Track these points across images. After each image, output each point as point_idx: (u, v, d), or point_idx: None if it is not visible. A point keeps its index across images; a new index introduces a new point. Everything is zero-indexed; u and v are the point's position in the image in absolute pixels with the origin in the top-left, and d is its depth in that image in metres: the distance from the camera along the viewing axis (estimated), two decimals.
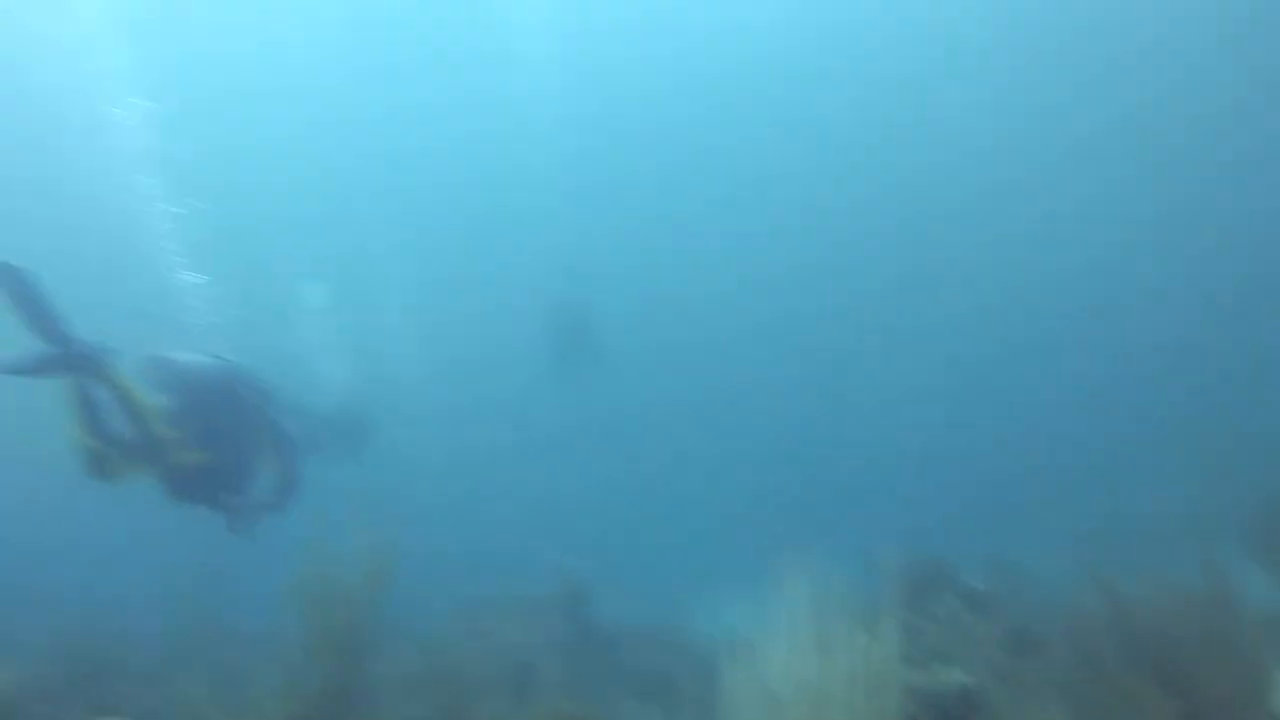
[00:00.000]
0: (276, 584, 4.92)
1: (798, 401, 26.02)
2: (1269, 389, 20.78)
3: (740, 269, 28.42)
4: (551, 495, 17.65)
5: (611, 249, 24.60)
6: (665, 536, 15.87)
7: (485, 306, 25.56)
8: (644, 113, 27.12)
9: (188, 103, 18.56)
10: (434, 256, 25.81)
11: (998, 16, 23.46)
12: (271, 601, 5.03)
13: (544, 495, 17.53)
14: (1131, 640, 4.03)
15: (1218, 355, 22.99)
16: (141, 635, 7.33)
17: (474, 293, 26.47)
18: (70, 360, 4.55)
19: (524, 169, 26.63)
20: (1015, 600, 6.82)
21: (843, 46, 24.90)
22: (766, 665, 3.06)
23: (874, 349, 27.24)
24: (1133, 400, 23.24)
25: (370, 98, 25.73)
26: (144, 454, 4.85)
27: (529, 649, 6.36)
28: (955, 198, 26.66)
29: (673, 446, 23.49)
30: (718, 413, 25.35)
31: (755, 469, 22.11)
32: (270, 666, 5.48)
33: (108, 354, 4.69)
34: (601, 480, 20.14)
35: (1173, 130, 24.12)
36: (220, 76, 22.79)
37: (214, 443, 5.13)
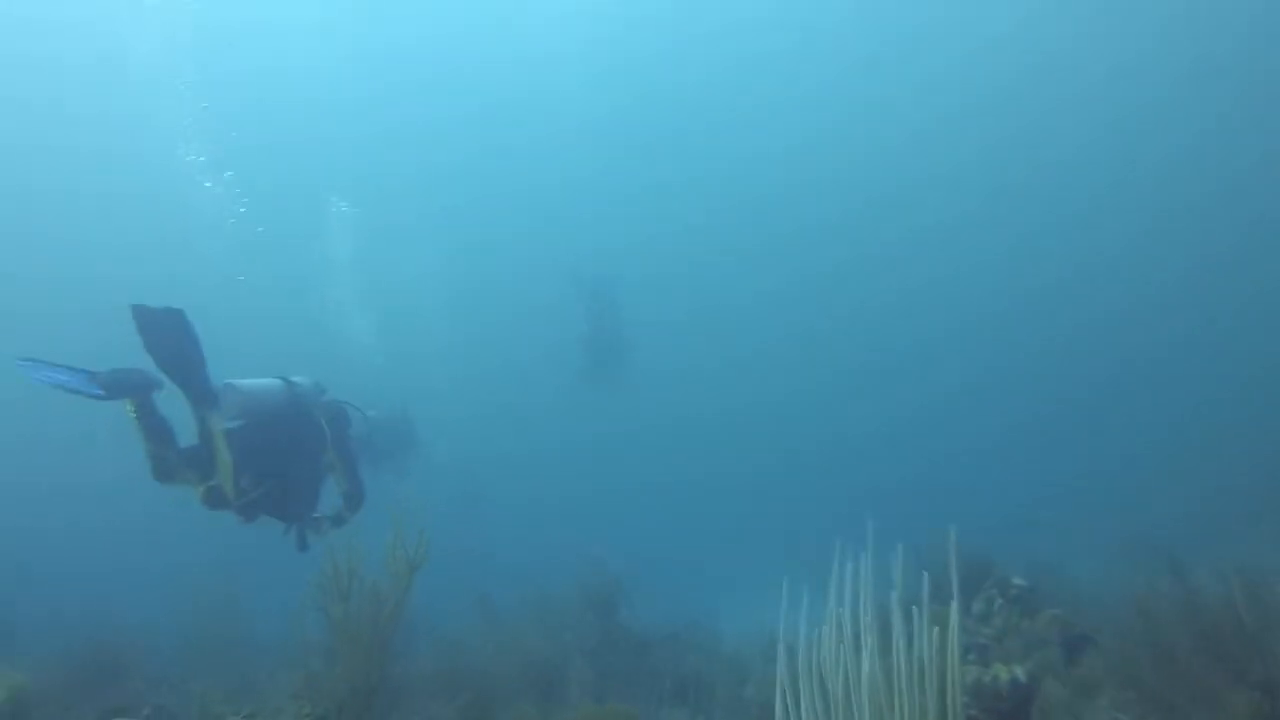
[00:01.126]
0: (298, 585, 4.75)
1: (827, 408, 25.84)
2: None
3: (767, 279, 28.33)
4: (581, 500, 17.53)
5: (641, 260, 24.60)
6: (698, 541, 15.72)
7: (516, 315, 25.58)
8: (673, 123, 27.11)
9: None
10: (466, 266, 25.73)
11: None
12: (293, 602, 4.86)
13: (573, 500, 17.41)
14: (1201, 631, 3.77)
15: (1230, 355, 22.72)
16: (157, 633, 7.21)
17: (505, 302, 26.48)
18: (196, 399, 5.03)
19: (553, 178, 26.76)
20: (1060, 597, 6.55)
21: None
22: (820, 661, 2.82)
23: (900, 357, 27.09)
24: (1150, 405, 22.98)
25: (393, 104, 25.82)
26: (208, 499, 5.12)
27: (557, 650, 6.15)
28: (962, 205, 26.60)
29: (706, 452, 23.34)
30: (750, 420, 25.24)
31: (790, 474, 21.95)
32: (290, 668, 5.33)
33: (215, 401, 5.09)
34: (632, 485, 20.02)
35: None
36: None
37: (281, 464, 5.34)
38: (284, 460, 5.37)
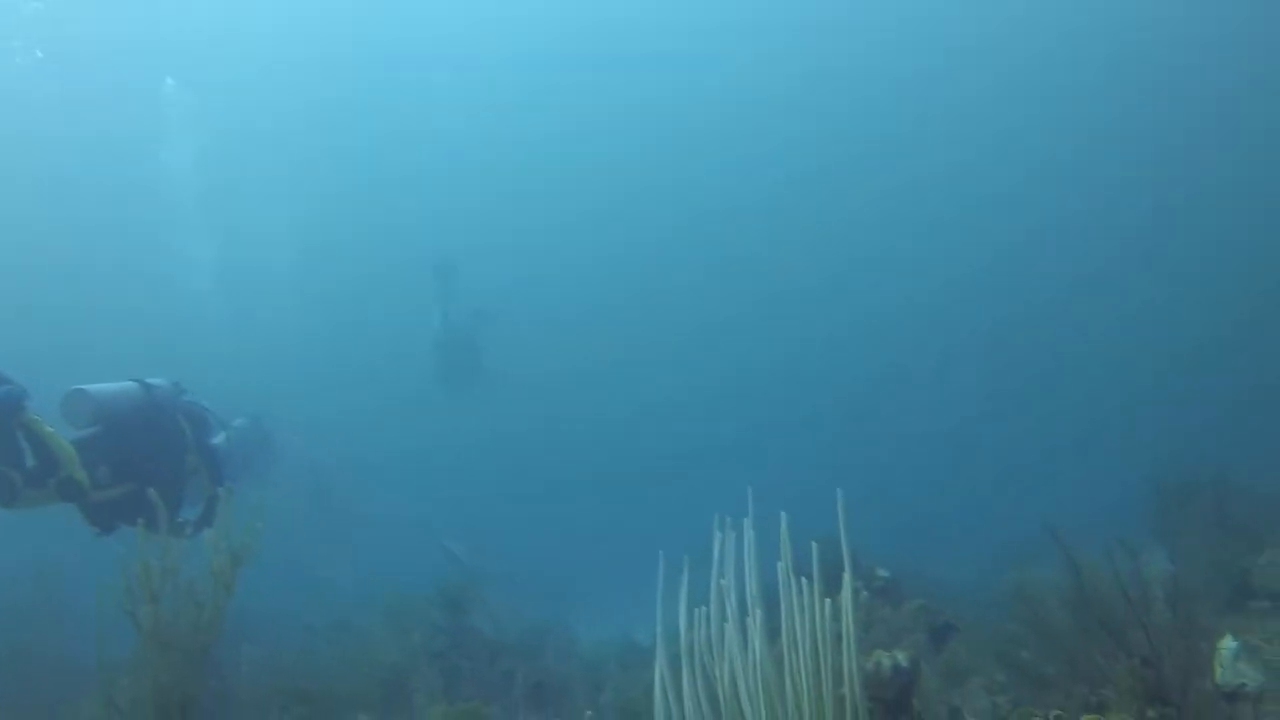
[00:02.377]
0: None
1: (690, 410, 25.87)
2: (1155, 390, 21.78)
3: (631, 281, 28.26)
4: (438, 505, 16.88)
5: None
6: (557, 549, 15.38)
7: (374, 316, 24.72)
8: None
9: None
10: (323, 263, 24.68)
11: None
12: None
13: (431, 505, 16.74)
14: (1081, 606, 3.70)
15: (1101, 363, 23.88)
16: None
17: (362, 302, 25.57)
18: None
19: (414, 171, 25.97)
20: (923, 590, 6.54)
21: None
22: (702, 642, 2.53)
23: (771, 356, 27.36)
24: (1017, 410, 23.93)
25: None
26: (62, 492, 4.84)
27: (404, 654, 5.68)
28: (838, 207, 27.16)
29: (565, 458, 23.00)
30: (614, 422, 25.04)
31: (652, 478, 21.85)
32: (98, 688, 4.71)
33: (21, 399, 4.70)
34: (490, 492, 19.51)
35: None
36: None
37: (138, 469, 5.08)
38: (144, 465, 5.11)
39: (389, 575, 7.67)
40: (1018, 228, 26.55)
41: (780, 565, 2.45)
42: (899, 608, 6.04)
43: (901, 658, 4.35)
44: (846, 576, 2.43)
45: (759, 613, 2.43)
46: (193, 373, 6.06)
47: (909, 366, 25.63)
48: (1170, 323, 24.08)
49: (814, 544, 2.49)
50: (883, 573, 6.54)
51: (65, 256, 21.28)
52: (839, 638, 2.44)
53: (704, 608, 2.55)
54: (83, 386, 5.02)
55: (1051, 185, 26.24)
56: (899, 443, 22.49)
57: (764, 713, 2.41)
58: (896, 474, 19.28)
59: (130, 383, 5.38)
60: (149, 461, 5.16)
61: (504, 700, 5.35)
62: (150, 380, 5.49)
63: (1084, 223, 25.78)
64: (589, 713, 2.33)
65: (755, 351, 27.50)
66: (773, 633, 2.48)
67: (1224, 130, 23.88)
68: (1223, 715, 3.56)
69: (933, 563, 7.90)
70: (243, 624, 5.69)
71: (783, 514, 2.50)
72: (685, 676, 2.54)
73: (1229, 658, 4.12)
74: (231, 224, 20.96)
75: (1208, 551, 6.15)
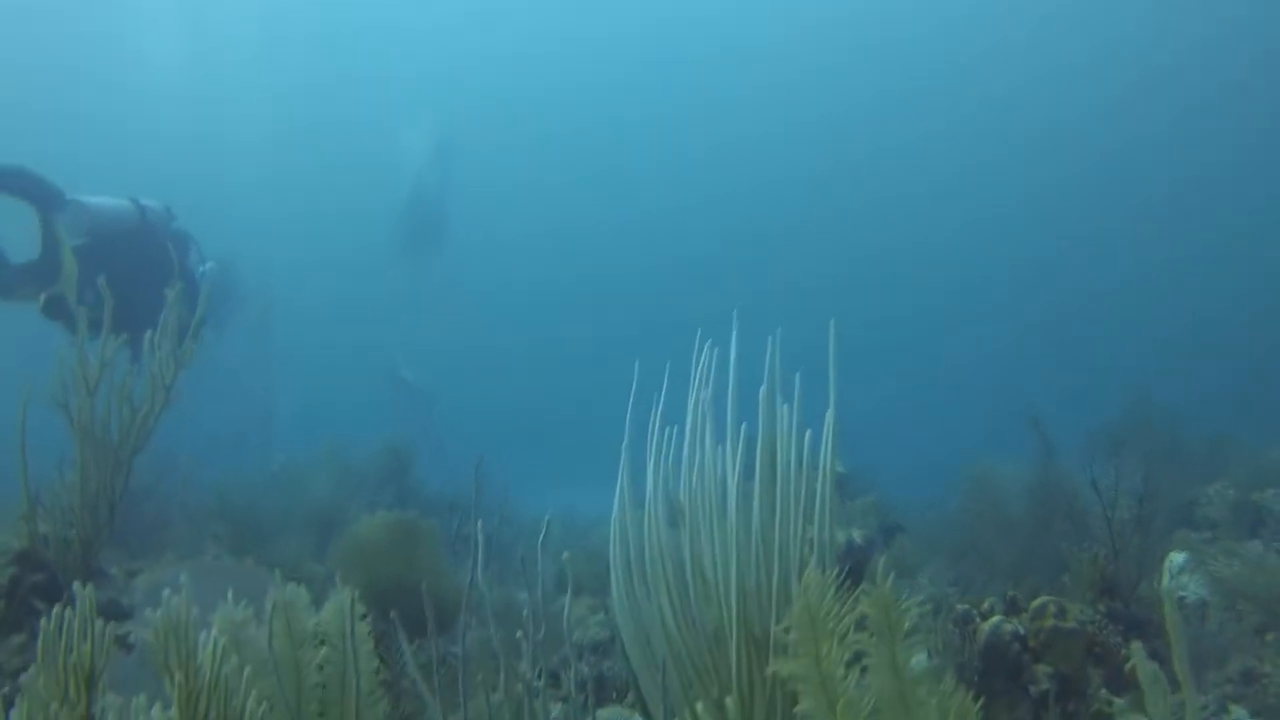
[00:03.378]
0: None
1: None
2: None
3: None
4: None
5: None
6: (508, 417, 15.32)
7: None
8: None
9: None
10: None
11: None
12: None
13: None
14: (1043, 499, 3.65)
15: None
16: None
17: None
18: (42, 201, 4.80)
19: None
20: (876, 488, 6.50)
21: None
22: (668, 469, 2.40)
23: None
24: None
25: None
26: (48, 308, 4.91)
27: (342, 496, 5.56)
28: None
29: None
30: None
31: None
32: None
33: (64, 196, 4.95)
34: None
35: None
36: None
37: (127, 288, 4.85)
38: (130, 284, 4.93)
39: (338, 420, 7.48)
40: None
41: (763, 390, 2.30)
42: (852, 502, 6.04)
43: (857, 535, 4.33)
44: (831, 410, 2.29)
45: (738, 433, 2.29)
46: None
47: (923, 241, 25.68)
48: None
49: (797, 375, 2.35)
50: (839, 468, 6.49)
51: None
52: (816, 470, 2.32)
53: (674, 427, 2.40)
54: (82, 198, 5.14)
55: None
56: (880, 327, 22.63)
57: (733, 545, 2.29)
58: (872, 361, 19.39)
59: (126, 201, 5.48)
60: (133, 282, 5.06)
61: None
62: (144, 201, 5.57)
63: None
64: (565, 554, 2.17)
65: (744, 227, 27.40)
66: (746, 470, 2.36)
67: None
68: (1163, 618, 3.58)
69: (890, 465, 7.87)
70: (184, 447, 5.56)
71: (770, 337, 2.33)
72: (650, 505, 2.40)
73: (1174, 569, 4.14)
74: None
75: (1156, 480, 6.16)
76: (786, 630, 1.56)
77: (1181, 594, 3.98)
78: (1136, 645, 1.59)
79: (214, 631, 1.49)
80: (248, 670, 1.87)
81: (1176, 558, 4.21)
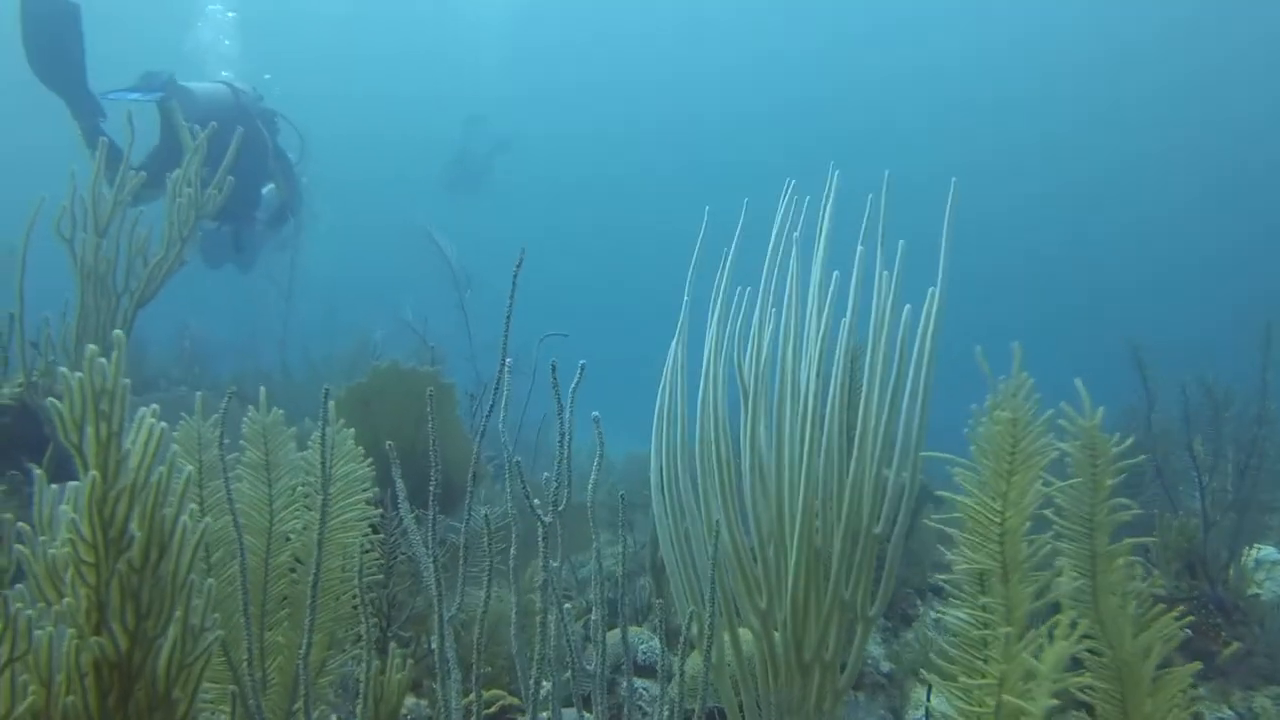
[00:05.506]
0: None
1: None
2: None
3: None
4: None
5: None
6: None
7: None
8: None
9: None
10: None
11: None
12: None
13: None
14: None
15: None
16: None
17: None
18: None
19: None
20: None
21: None
22: (735, 332, 2.03)
23: None
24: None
25: None
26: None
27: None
28: None
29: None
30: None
31: None
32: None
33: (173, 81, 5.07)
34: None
35: None
36: None
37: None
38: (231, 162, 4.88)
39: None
40: None
41: (859, 249, 1.90)
42: None
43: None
44: (939, 282, 1.88)
45: (825, 303, 1.91)
46: None
47: None
48: None
49: (900, 242, 1.95)
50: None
51: None
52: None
53: (745, 288, 2.02)
54: (185, 83, 5.20)
55: None
56: None
57: (807, 434, 1.92)
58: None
59: (221, 84, 5.59)
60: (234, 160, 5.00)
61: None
62: (236, 84, 5.65)
63: None
64: (595, 413, 1.79)
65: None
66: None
67: None
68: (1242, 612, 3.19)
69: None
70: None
71: (871, 196, 1.94)
72: (705, 373, 2.04)
73: (1250, 565, 3.74)
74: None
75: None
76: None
77: (1255, 592, 3.61)
78: None
79: (148, 417, 1.12)
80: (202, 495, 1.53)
81: (1258, 553, 3.82)
